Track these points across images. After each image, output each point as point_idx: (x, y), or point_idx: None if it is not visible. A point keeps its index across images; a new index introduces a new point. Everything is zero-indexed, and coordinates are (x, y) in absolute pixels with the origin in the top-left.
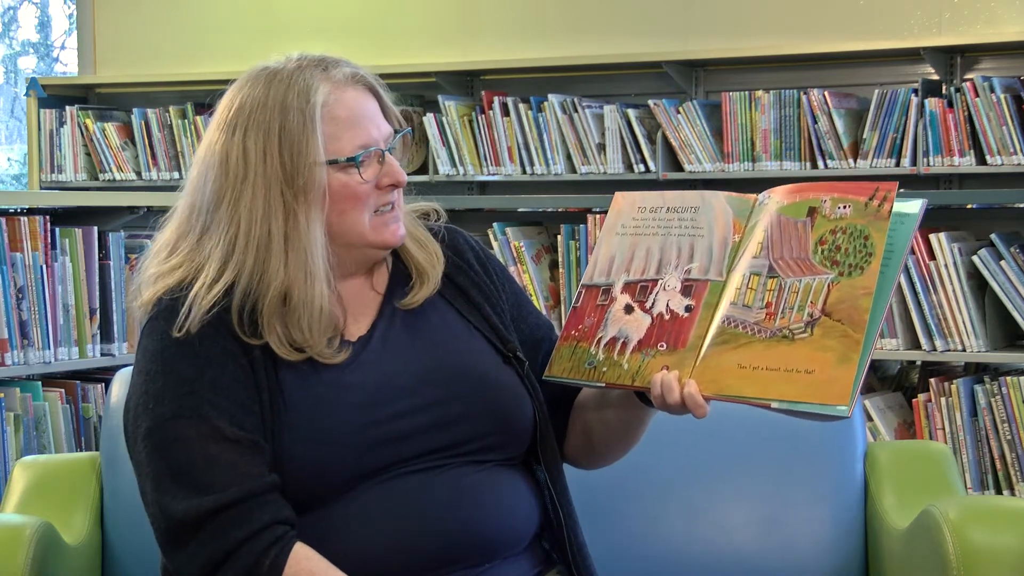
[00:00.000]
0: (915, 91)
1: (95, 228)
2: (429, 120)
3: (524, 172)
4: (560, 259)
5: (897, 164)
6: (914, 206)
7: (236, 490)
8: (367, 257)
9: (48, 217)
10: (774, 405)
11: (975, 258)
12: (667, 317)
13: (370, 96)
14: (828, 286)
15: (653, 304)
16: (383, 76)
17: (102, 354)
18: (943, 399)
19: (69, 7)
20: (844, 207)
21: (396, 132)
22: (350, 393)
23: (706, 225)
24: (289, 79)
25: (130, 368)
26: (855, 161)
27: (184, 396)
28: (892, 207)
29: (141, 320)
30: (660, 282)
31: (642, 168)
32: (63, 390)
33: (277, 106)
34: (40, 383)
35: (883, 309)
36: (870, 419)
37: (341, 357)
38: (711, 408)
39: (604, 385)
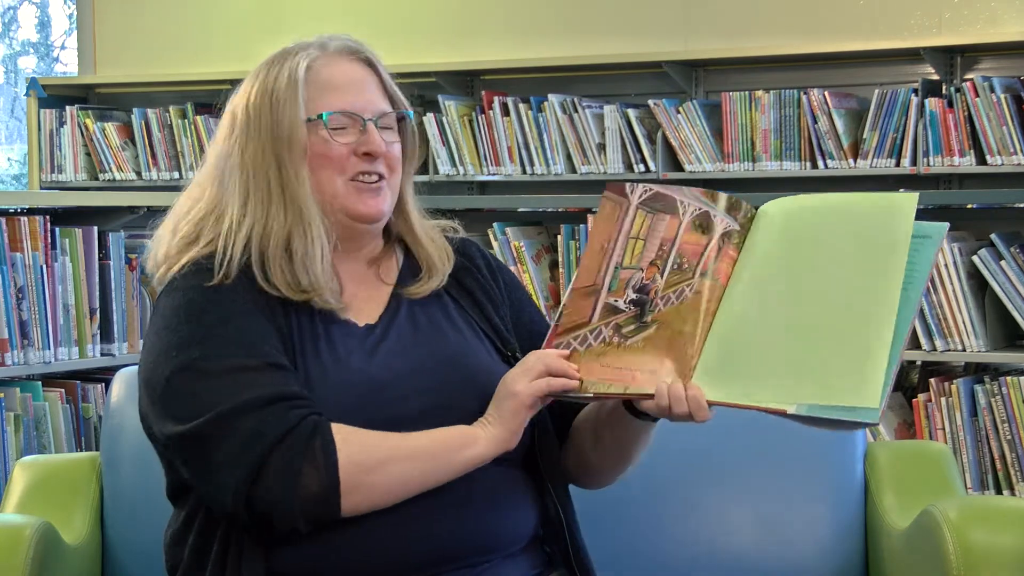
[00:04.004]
0: (915, 91)
1: (95, 228)
2: (429, 120)
3: (524, 172)
4: (560, 259)
5: (897, 164)
6: (938, 229)
7: (266, 391)
8: (350, 230)
9: (48, 217)
10: (791, 411)
11: (975, 258)
12: None
13: (366, 71)
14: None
15: None
16: None
17: (102, 354)
18: (943, 399)
19: (69, 7)
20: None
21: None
22: (353, 375)
23: None
24: (293, 50)
25: (130, 368)
26: (855, 161)
27: (210, 339)
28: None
29: (163, 280)
30: None
31: (642, 168)
32: (63, 390)
33: (275, 71)
34: (40, 383)
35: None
36: None
37: (338, 307)
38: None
39: (593, 396)
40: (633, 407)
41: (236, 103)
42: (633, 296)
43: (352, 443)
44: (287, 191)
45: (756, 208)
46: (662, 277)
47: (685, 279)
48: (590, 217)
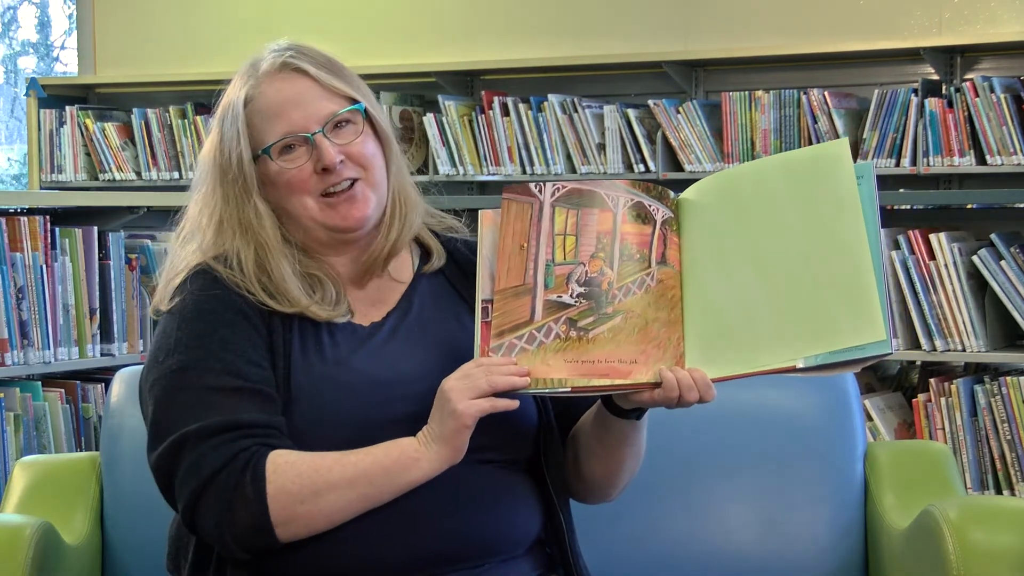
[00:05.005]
0: (915, 91)
1: (95, 228)
2: (429, 120)
3: (524, 172)
4: None
5: (897, 164)
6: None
7: (222, 418)
8: (340, 240)
9: (48, 217)
10: (800, 365)
11: (975, 258)
12: None
13: (302, 80)
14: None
15: None
16: (383, 76)
17: (102, 354)
18: (943, 399)
19: (69, 7)
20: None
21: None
22: (353, 375)
23: None
24: (234, 82)
25: (130, 368)
26: (855, 161)
27: (193, 349)
28: None
29: (166, 296)
30: None
31: (642, 168)
32: (63, 390)
33: (221, 110)
34: (40, 383)
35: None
36: (870, 419)
37: (338, 313)
38: (707, 407)
39: (571, 391)
40: (613, 405)
41: (206, 143)
42: (580, 290)
43: (285, 474)
44: (243, 227)
45: (677, 195)
46: (612, 269)
47: (643, 268)
48: (483, 220)
